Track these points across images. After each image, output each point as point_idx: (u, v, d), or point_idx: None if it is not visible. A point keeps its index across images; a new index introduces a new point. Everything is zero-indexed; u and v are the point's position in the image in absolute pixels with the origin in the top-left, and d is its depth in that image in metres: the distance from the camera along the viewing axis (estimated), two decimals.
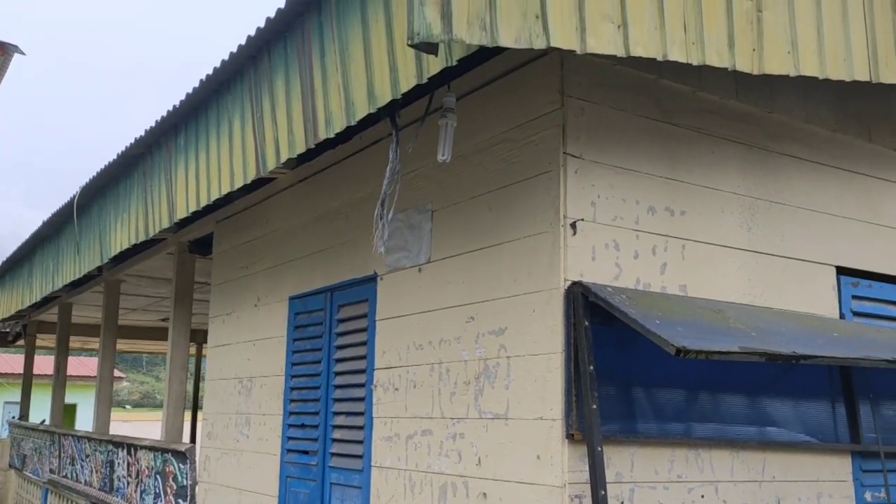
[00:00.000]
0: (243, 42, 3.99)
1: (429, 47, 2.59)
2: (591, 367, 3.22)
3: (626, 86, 3.65)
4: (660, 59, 2.94)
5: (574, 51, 2.77)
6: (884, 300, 4.27)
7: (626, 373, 3.47)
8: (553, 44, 2.70)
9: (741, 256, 3.87)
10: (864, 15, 3.51)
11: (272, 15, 3.69)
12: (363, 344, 4.61)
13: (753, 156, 4.00)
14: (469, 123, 3.92)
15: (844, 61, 3.44)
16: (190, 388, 13.51)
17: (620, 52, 2.86)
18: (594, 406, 3.17)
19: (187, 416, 9.89)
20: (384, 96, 3.10)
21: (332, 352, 4.90)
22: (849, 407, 3.98)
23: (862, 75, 3.49)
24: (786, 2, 3.28)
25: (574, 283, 3.34)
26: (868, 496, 4.01)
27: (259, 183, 5.62)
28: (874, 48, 3.54)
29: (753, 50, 3.21)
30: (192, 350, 14.75)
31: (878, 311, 4.25)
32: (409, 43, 2.47)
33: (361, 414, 4.54)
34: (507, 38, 2.60)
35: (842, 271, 4.20)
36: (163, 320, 13.32)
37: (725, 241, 3.83)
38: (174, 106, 4.87)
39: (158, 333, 14.74)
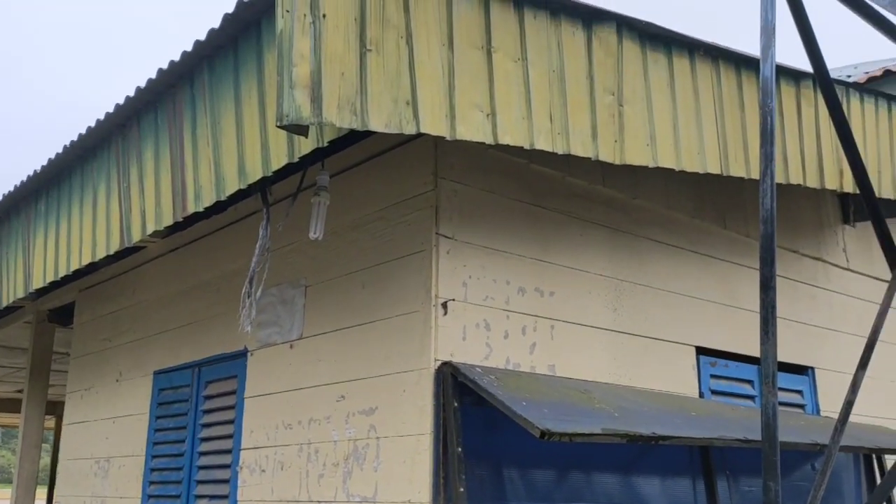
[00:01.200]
0: (111, 110, 3.87)
1: (299, 129, 2.59)
2: (460, 449, 3.21)
3: (498, 169, 3.75)
4: (527, 147, 3.05)
5: (443, 137, 2.83)
6: (739, 379, 4.48)
7: (497, 453, 3.47)
8: (423, 130, 2.76)
9: (607, 336, 3.99)
10: (715, 113, 3.77)
11: (142, 85, 3.61)
12: (230, 422, 4.43)
13: (619, 239, 4.17)
14: (345, 200, 3.92)
15: (698, 155, 3.67)
16: (47, 462, 12.57)
17: (489, 140, 2.95)
18: (461, 489, 3.14)
19: (43, 493, 9.16)
20: (255, 173, 3.07)
21: (197, 431, 4.68)
22: (708, 484, 4.11)
23: (714, 168, 3.73)
24: (644, 98, 3.49)
25: (444, 364, 3.34)
26: None
27: (127, 251, 5.40)
28: (724, 144, 3.79)
29: (615, 141, 3.37)
30: (52, 423, 13.78)
31: (734, 389, 4.46)
32: (279, 125, 2.47)
33: (226, 497, 4.32)
34: (378, 123, 2.63)
35: (701, 351, 4.39)
36: (18, 391, 12.42)
37: (592, 321, 3.94)
38: (35, 171, 4.65)
39: (14, 405, 13.72)
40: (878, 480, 4.90)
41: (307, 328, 4.03)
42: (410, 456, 3.33)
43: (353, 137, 3.73)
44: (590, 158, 3.36)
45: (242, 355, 4.43)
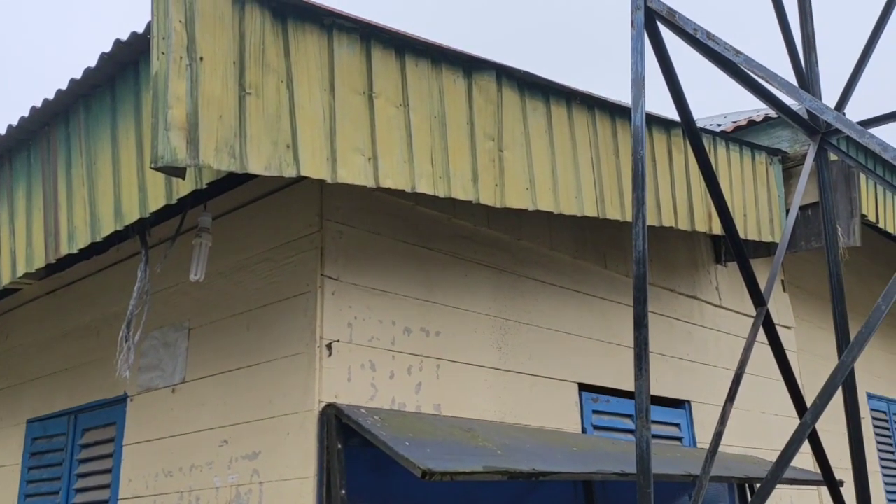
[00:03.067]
0: None
1: (175, 171, 2.57)
2: (343, 492, 3.19)
3: (384, 211, 3.80)
4: (408, 190, 3.12)
5: (325, 180, 2.87)
6: (620, 414, 4.64)
7: (384, 495, 3.47)
8: (304, 173, 2.78)
9: (492, 375, 4.06)
10: (591, 159, 3.95)
11: (15, 122, 3.49)
12: (108, 472, 4.26)
13: (504, 279, 4.28)
14: (230, 241, 3.88)
15: (576, 198, 3.83)
16: None
17: (371, 183, 3.00)
18: None
19: None
20: (132, 214, 3.01)
21: (72, 481, 4.47)
22: None
23: (591, 211, 3.90)
24: (524, 144, 3.63)
25: (328, 405, 3.33)
26: None
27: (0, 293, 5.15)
28: (601, 188, 3.98)
29: (496, 185, 3.49)
30: None
31: (615, 424, 4.61)
32: (153, 166, 2.44)
33: None
34: (257, 166, 2.64)
35: (583, 387, 4.53)
36: None
37: (478, 360, 4.01)
38: None
39: None
40: None
41: (190, 372, 3.94)
42: (294, 500, 3.29)
43: (236, 179, 3.72)
44: (478, 203, 3.47)
45: (122, 401, 4.28)
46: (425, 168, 3.18)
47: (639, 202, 3.45)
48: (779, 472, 3.01)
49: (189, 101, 2.47)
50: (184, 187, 2.85)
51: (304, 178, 3.58)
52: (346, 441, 3.32)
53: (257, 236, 3.80)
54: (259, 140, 2.65)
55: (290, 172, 2.73)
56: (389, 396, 3.59)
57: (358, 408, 3.38)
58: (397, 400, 3.61)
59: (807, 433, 2.97)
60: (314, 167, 2.81)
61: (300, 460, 3.32)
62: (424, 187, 3.18)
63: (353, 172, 2.94)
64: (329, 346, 3.41)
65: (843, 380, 4.40)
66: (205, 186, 2.83)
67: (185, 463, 3.80)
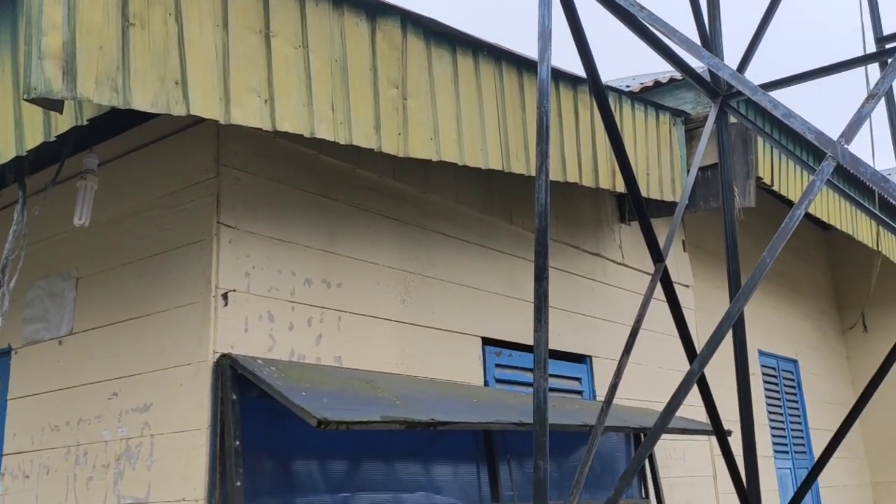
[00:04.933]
0: None
1: (51, 104, 2.41)
2: (238, 443, 3.13)
3: (285, 159, 3.70)
4: (308, 135, 3.03)
5: (217, 121, 2.75)
6: (522, 367, 4.70)
7: (281, 446, 3.42)
8: (194, 112, 2.66)
9: (395, 328, 4.04)
10: (497, 111, 3.93)
11: None
12: None
13: (408, 232, 4.25)
14: (122, 186, 3.71)
15: (481, 151, 3.81)
16: None
17: (267, 126, 2.90)
18: (238, 483, 3.07)
19: None
20: (7, 152, 2.83)
21: None
22: (491, 468, 4.28)
23: (496, 165, 3.89)
24: (428, 93, 3.57)
25: (223, 356, 3.24)
26: None
27: None
28: (506, 141, 3.97)
29: (399, 134, 3.43)
30: None
31: (517, 377, 4.67)
32: (26, 97, 2.28)
33: None
34: (142, 102, 2.51)
35: (487, 342, 4.57)
36: None
37: (380, 312, 3.98)
38: None
39: None
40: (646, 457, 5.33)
41: (78, 323, 3.77)
42: (186, 452, 3.21)
43: (127, 121, 3.54)
44: (380, 151, 3.40)
45: (5, 354, 4.08)
46: (325, 113, 3.10)
47: (542, 155, 3.45)
48: (666, 418, 3.10)
49: (66, 28, 2.31)
50: (63, 123, 2.68)
51: (199, 121, 3.46)
52: (241, 392, 3.25)
53: (150, 182, 3.64)
54: (144, 74, 2.51)
55: (178, 111, 2.60)
56: (288, 348, 3.52)
57: (255, 359, 3.31)
58: (297, 351, 3.55)
59: (693, 380, 3.07)
60: (206, 106, 2.69)
61: (193, 412, 3.23)
62: (325, 133, 3.09)
63: (248, 114, 2.83)
64: (225, 296, 3.31)
65: (735, 335, 4.58)
66: (86, 122, 2.68)
67: (72, 417, 3.66)
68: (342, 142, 3.17)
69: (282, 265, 3.58)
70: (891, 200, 5.95)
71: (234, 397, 3.19)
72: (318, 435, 3.55)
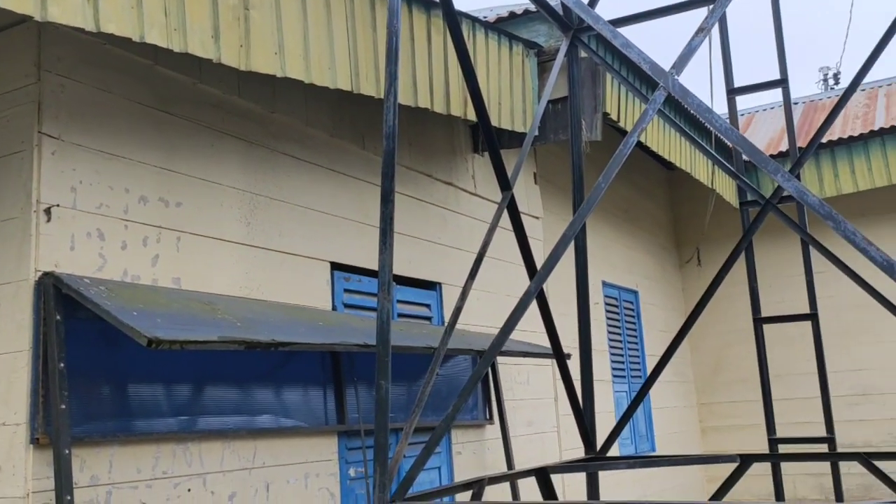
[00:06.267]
0: None
1: None
2: (62, 365, 2.98)
3: (116, 67, 3.47)
4: (137, 39, 2.85)
5: (33, 17, 2.53)
6: (371, 293, 4.72)
7: (111, 369, 3.29)
8: (3, 5, 2.43)
9: (240, 250, 3.94)
10: (347, 30, 3.83)
11: None
12: None
13: (254, 152, 4.11)
14: None
15: (329, 70, 3.71)
16: None
17: (90, 27, 2.70)
18: (63, 406, 2.93)
19: None
20: None
21: None
22: (337, 391, 4.32)
23: (345, 85, 3.81)
24: (273, 5, 3.43)
25: (46, 275, 3.06)
26: (352, 472, 4.39)
27: None
28: (356, 61, 3.88)
29: (241, 46, 3.28)
30: None
31: (365, 302, 4.68)
32: None
33: None
34: None
35: (336, 266, 4.54)
36: None
37: (224, 234, 3.86)
38: None
39: None
40: (491, 378, 5.53)
41: None
42: (6, 375, 3.03)
43: None
44: (220, 63, 3.25)
45: None
46: (157, 17, 2.91)
47: (392, 77, 3.40)
48: (503, 336, 3.21)
49: None
50: None
51: (18, 21, 3.17)
52: (68, 313, 3.08)
53: None
54: None
55: None
56: (121, 268, 3.36)
57: (81, 278, 3.14)
58: (130, 272, 3.40)
59: (530, 300, 3.17)
60: (18, 0, 2.46)
61: (13, 333, 3.05)
62: (156, 38, 2.91)
63: (68, 12, 2.61)
64: (48, 211, 3.11)
65: (577, 263, 4.76)
66: None
67: None
68: (176, 49, 3.00)
69: (114, 181, 3.39)
70: (714, 130, 6.28)
71: (59, 318, 3.02)
72: (156, 358, 3.45)
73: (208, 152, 3.86)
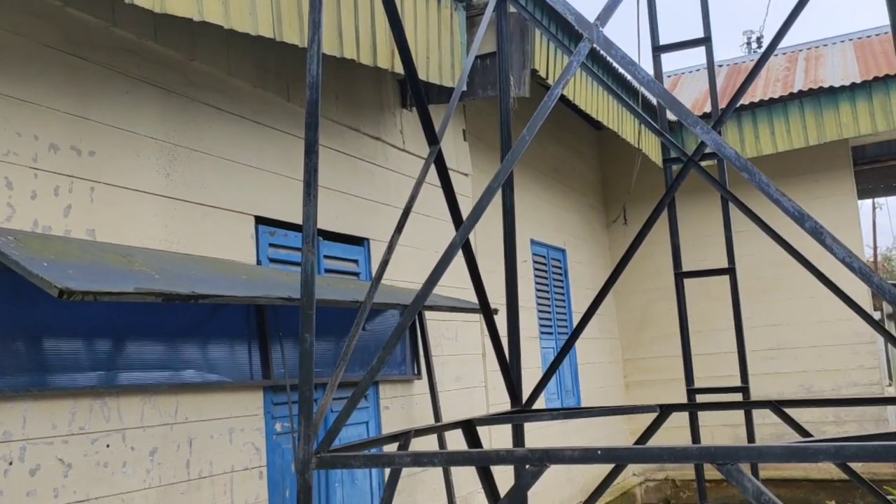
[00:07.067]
0: None
1: None
2: None
3: (24, 9, 3.29)
4: None
5: None
6: (296, 248, 4.66)
7: (24, 323, 3.17)
8: None
9: (158, 202, 3.83)
10: None
11: None
12: None
13: (173, 101, 3.98)
14: None
15: (250, 15, 3.60)
16: None
17: None
18: None
19: None
20: None
21: None
22: (262, 346, 4.27)
23: (266, 31, 3.70)
24: None
25: None
26: (278, 427, 4.37)
27: None
28: (279, 8, 3.77)
29: None
30: None
31: (291, 257, 4.62)
32: None
33: None
34: None
35: (260, 221, 4.46)
36: None
37: (141, 185, 3.75)
38: None
39: None
40: (419, 334, 5.55)
41: None
42: None
43: None
44: (136, 7, 3.11)
45: None
46: None
47: (315, 25, 3.31)
48: (427, 288, 3.21)
49: None
50: None
51: None
52: None
53: None
54: None
55: None
56: (31, 218, 3.23)
57: None
58: (41, 223, 3.27)
59: (455, 252, 3.17)
60: None
61: None
62: None
63: None
64: None
65: (505, 220, 4.79)
66: None
67: None
68: None
69: (22, 127, 3.24)
70: (637, 84, 6.38)
71: None
72: (72, 311, 3.34)
73: (124, 99, 3.71)
